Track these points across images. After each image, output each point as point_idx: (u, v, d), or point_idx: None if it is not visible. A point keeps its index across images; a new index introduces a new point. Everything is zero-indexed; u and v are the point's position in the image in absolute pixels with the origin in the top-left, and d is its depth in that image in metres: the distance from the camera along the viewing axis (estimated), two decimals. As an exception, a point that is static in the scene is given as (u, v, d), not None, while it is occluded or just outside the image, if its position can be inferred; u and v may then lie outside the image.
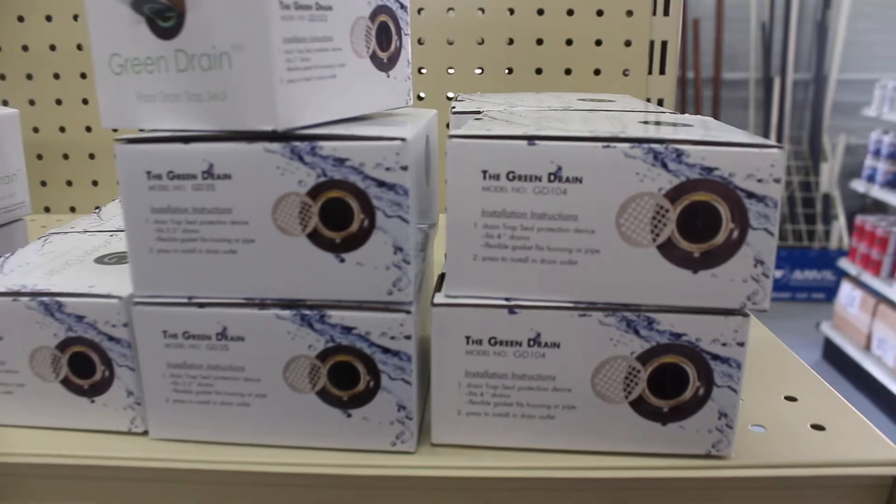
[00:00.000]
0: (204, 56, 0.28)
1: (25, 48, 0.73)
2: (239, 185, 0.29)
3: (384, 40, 0.33)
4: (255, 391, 0.32)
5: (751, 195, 0.28)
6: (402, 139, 0.28)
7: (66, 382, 0.33)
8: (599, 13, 0.70)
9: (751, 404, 0.36)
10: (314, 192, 0.29)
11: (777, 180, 0.28)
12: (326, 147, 0.28)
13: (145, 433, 0.34)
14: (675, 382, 0.30)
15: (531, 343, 0.30)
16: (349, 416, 0.32)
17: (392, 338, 0.30)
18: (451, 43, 0.71)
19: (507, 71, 0.72)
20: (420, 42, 0.71)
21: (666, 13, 0.70)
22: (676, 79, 0.73)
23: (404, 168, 0.28)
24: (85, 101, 0.74)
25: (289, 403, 0.32)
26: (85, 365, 0.33)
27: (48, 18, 0.72)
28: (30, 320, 0.33)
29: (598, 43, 0.71)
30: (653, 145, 0.28)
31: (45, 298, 0.32)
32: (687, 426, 0.31)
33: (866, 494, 0.31)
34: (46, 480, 0.32)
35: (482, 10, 0.70)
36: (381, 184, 0.29)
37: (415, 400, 0.31)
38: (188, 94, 0.29)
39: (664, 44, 0.71)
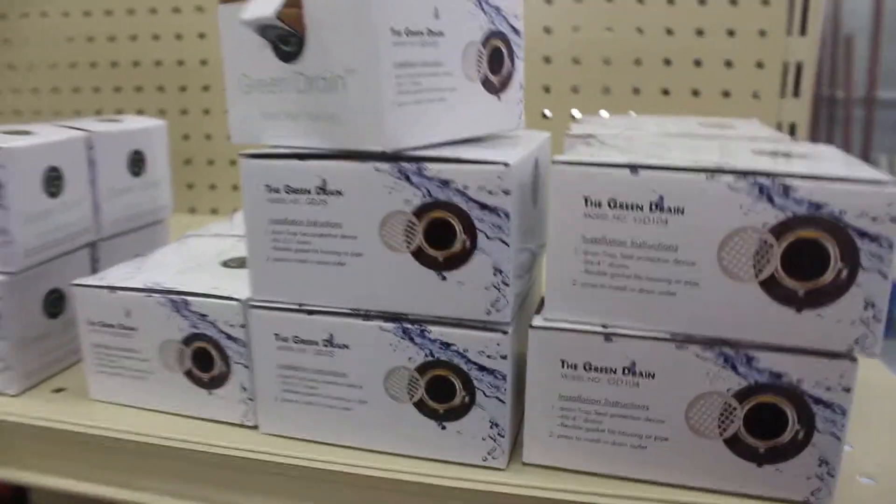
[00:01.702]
0: (321, 79, 0.30)
1: (181, 63, 0.80)
2: (349, 202, 0.31)
3: (496, 64, 0.34)
4: (357, 397, 0.33)
5: (863, 234, 0.26)
6: (506, 164, 0.29)
7: (189, 374, 0.36)
8: (731, 33, 0.68)
9: (862, 453, 0.34)
10: (419, 212, 0.30)
11: (894, 220, 0.26)
12: (432, 169, 0.30)
13: (255, 427, 0.36)
14: (773, 423, 0.29)
15: (626, 371, 0.30)
16: (444, 428, 0.33)
17: (489, 356, 0.31)
18: (577, 62, 0.71)
19: (633, 91, 0.71)
20: (547, 61, 0.72)
21: (803, 33, 0.67)
22: (822, 100, 0.69)
23: (507, 192, 0.29)
24: (229, 111, 0.79)
25: (387, 411, 0.33)
26: (206, 359, 0.36)
27: (201, 36, 0.78)
28: (161, 315, 0.36)
29: (728, 64, 0.68)
30: (759, 178, 0.27)
31: (174, 296, 0.35)
32: (784, 470, 0.30)
33: None
34: (166, 461, 0.35)
35: (610, 29, 0.70)
36: (483, 206, 0.29)
37: (508, 418, 0.32)
38: (306, 113, 0.31)
39: (799, 65, 0.67)
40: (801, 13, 0.67)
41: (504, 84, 0.35)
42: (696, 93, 0.69)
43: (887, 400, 0.40)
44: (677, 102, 0.70)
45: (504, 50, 0.34)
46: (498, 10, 0.33)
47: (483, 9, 0.33)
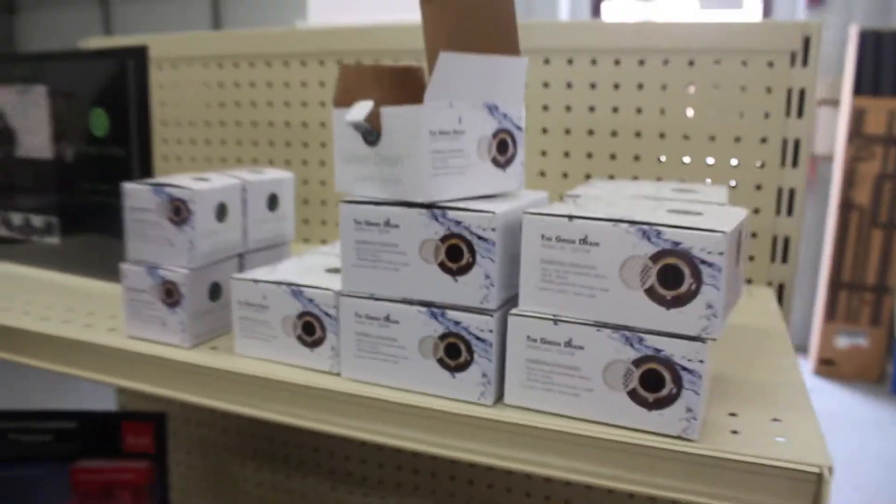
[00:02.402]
0: (389, 157, 0.50)
1: (304, 124, 1.03)
2: (403, 232, 0.51)
3: (502, 149, 0.53)
4: (402, 354, 0.53)
5: (703, 262, 0.44)
6: (493, 212, 0.48)
7: (299, 338, 0.57)
8: (741, 115, 0.85)
9: (745, 420, 0.50)
10: (443, 240, 0.50)
11: (721, 254, 0.44)
12: (451, 213, 0.49)
13: (338, 374, 0.56)
14: (657, 382, 0.47)
15: (566, 344, 0.48)
16: (454, 377, 0.52)
17: (482, 330, 0.50)
18: (614, 135, 0.90)
19: (660, 160, 0.88)
20: (590, 133, 0.90)
21: (800, 115, 0.83)
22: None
23: (493, 229, 0.48)
24: (339, 163, 1.02)
25: (419, 365, 0.52)
26: (311, 328, 0.56)
27: (321, 104, 1.02)
28: (285, 299, 0.57)
29: (738, 139, 0.85)
30: (642, 226, 0.45)
31: (294, 287, 0.56)
32: (665, 414, 0.47)
33: (792, 487, 0.44)
34: (281, 393, 0.56)
35: (639, 109, 0.88)
36: (480, 237, 0.49)
37: (494, 372, 0.51)
38: (379, 178, 0.51)
39: (797, 141, 0.83)
40: (798, 99, 0.83)
41: (508, 161, 0.54)
42: (712, 164, 0.86)
43: (786, 392, 0.55)
44: (696, 170, 0.87)
45: (508, 140, 0.54)
46: (505, 115, 0.53)
47: (493, 115, 0.52)
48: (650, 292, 0.46)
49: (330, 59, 1.00)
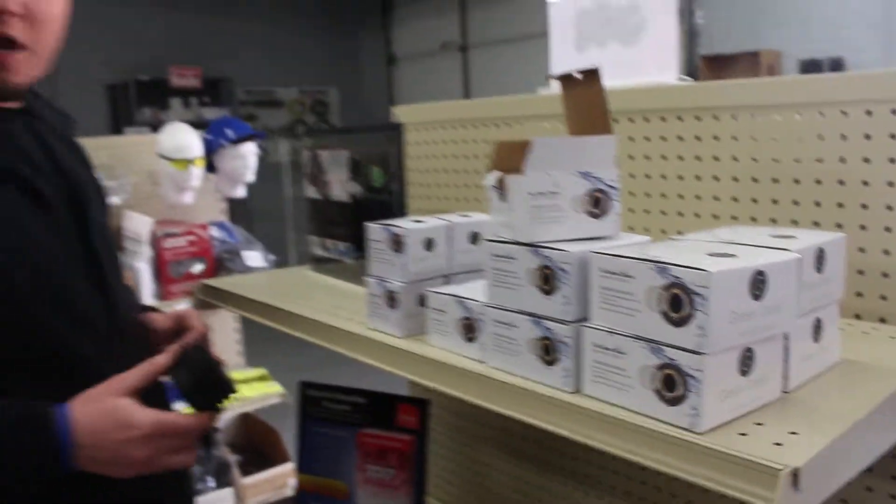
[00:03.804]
0: (510, 210, 0.76)
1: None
2: (517, 262, 0.76)
3: (597, 204, 0.75)
4: (518, 350, 0.77)
5: (695, 293, 0.62)
6: (568, 251, 0.71)
7: (462, 335, 0.84)
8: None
9: (765, 429, 0.65)
10: (539, 269, 0.74)
11: (706, 287, 0.61)
12: (544, 251, 0.73)
13: (485, 362, 0.82)
14: (672, 384, 0.65)
15: (616, 351, 0.69)
16: (548, 369, 0.75)
17: (562, 336, 0.73)
18: (797, 182, 1.01)
19: (840, 205, 0.98)
20: (774, 181, 1.03)
21: None
22: None
23: (568, 263, 0.71)
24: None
25: (528, 359, 0.76)
26: (470, 328, 0.83)
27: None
28: (454, 306, 0.85)
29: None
30: (658, 263, 0.64)
31: (458, 299, 0.84)
32: (678, 408, 0.65)
33: (757, 479, 0.59)
34: (430, 366, 0.84)
35: (819, 160, 0.98)
36: (560, 269, 0.72)
37: (573, 368, 0.73)
38: (507, 224, 0.77)
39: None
40: None
41: (603, 213, 0.76)
42: (889, 208, 0.94)
43: (837, 418, 0.68)
44: (875, 215, 0.95)
45: (603, 196, 0.76)
46: (599, 179, 0.75)
47: (587, 179, 0.75)
48: (664, 314, 0.65)
49: (556, 120, 1.26)
